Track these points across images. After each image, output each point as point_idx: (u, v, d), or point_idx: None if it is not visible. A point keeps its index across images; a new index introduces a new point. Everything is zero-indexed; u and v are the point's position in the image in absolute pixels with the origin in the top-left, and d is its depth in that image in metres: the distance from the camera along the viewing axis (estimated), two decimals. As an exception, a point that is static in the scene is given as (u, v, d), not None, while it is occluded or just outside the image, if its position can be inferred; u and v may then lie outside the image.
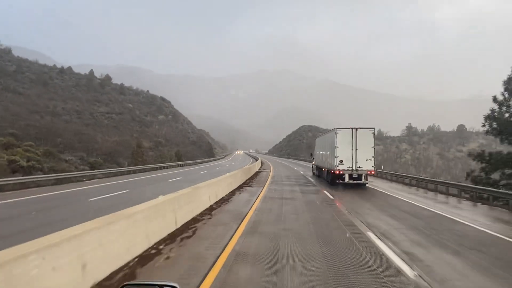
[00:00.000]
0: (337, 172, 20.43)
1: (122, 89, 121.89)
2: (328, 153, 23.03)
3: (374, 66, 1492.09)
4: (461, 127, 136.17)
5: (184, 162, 55.22)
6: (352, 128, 20.57)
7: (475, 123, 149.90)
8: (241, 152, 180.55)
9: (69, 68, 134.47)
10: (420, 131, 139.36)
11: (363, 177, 20.55)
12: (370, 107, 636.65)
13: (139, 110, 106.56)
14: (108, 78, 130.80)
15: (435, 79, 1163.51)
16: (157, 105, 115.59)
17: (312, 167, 32.51)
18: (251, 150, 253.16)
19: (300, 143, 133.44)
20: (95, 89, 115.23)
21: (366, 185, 21.47)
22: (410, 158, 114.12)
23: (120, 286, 1.51)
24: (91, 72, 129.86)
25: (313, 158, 31.76)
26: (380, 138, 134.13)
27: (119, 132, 77.85)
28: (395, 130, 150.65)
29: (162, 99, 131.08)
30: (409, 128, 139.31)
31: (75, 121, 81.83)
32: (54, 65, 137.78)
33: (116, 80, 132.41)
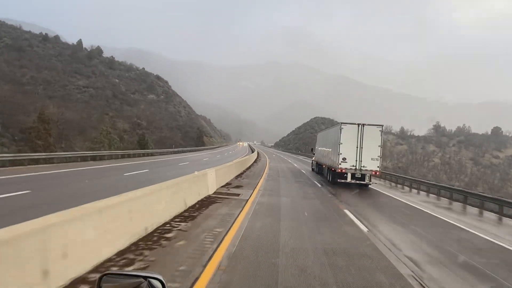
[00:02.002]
0: (339, 170, 18.10)
1: (111, 63, 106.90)
2: (331, 149, 20.53)
3: (389, 65, 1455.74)
4: (496, 130, 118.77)
5: (137, 152, 39.37)
6: (358, 124, 18.14)
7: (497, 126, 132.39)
8: (245, 143, 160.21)
9: (56, 36, 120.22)
10: (448, 131, 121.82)
11: (366, 178, 18.31)
12: (384, 106, 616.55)
13: (126, 86, 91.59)
14: (98, 50, 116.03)
15: (451, 82, 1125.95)
16: (149, 83, 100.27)
17: (312, 162, 31.61)
18: (255, 142, 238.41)
19: (311, 137, 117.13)
20: (80, 60, 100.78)
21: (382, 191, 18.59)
22: (440, 162, 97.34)
23: (100, 275, 1.44)
24: (80, 42, 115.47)
25: (314, 154, 30.80)
26: (403, 137, 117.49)
27: (89, 108, 63.05)
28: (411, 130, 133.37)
29: (158, 77, 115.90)
30: (437, 127, 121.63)
31: (39, 93, 67.29)
32: (41, 32, 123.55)
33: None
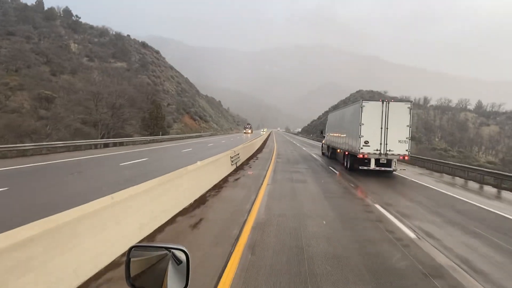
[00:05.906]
0: (361, 156, 15.45)
1: (76, 25, 78.62)
2: (349, 131, 17.56)
3: (421, 44, 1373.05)
4: None
5: None
6: (383, 101, 15.44)
7: None
8: (263, 130, 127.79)
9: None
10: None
11: (393, 163, 15.59)
12: (419, 86, 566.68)
13: (84, 51, 63.06)
14: (67, 12, 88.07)
15: (489, 59, 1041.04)
16: (120, 49, 71.30)
17: (322, 146, 28.73)
18: (279, 129, 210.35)
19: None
20: (31, 21, 73.62)
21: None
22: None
23: (129, 248, 1.52)
24: (40, 2, 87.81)
25: (324, 136, 27.56)
26: (486, 115, 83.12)
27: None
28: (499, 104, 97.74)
29: (143, 45, 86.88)
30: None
31: None
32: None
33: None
